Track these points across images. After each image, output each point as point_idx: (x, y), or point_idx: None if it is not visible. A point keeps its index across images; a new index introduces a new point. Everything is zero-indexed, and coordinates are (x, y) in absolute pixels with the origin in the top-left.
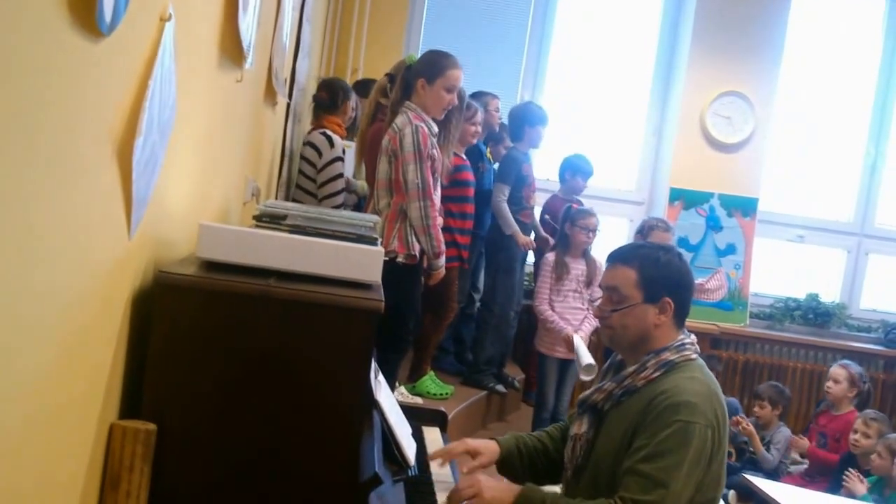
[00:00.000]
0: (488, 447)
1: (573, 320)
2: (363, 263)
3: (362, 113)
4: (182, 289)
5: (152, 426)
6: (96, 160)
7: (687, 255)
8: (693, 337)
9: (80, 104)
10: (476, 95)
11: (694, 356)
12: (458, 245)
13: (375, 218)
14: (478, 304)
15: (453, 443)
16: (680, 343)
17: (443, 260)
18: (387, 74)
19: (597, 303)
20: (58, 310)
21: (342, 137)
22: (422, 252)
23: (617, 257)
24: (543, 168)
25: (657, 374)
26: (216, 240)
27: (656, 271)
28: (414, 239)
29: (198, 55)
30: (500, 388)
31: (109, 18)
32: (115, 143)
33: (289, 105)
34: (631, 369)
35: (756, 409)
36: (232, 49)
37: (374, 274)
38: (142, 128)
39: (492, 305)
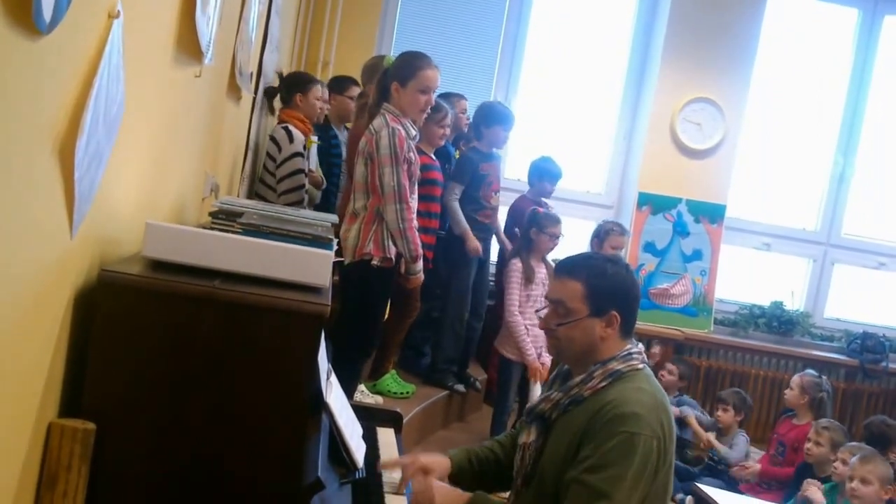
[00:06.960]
0: (440, 463)
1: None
2: (311, 266)
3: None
4: (124, 288)
5: (91, 426)
6: (34, 159)
7: (653, 261)
8: (640, 346)
9: (15, 102)
10: (444, 96)
11: (641, 365)
12: (423, 244)
13: (334, 218)
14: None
15: (406, 460)
16: (627, 353)
17: (420, 265)
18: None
19: (542, 313)
20: None
21: (307, 133)
22: (398, 255)
23: (564, 269)
24: (516, 169)
25: (604, 384)
26: (162, 239)
27: (603, 284)
28: (390, 242)
29: (151, 51)
30: (460, 387)
31: (49, 17)
32: (56, 142)
33: (254, 99)
34: (578, 379)
35: (719, 412)
36: (189, 45)
37: (322, 277)
38: (85, 126)
39: (446, 304)
